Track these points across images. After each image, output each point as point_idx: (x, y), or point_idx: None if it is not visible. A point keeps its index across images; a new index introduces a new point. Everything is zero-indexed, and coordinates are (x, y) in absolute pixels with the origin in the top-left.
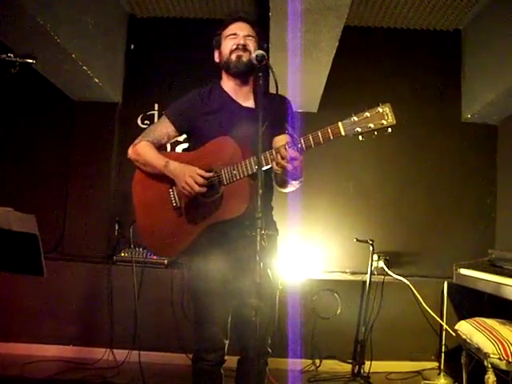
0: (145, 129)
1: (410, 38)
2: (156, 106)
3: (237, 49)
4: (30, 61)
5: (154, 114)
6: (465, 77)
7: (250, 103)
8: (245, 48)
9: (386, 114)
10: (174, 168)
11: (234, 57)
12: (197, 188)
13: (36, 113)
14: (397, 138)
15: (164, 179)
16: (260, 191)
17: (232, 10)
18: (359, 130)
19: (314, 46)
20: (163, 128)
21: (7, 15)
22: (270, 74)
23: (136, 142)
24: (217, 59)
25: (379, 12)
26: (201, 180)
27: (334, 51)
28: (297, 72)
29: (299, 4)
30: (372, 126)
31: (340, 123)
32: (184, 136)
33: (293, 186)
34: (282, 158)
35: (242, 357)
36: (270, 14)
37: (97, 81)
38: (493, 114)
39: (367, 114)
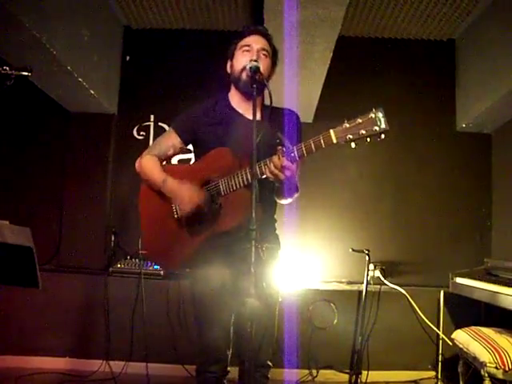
0: (141, 140)
1: (404, 48)
2: (152, 117)
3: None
4: (26, 73)
5: (149, 125)
6: (459, 86)
7: (256, 116)
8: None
9: (379, 119)
10: (171, 186)
11: (244, 76)
12: (188, 208)
13: (32, 125)
14: (392, 148)
15: None
16: (254, 203)
17: (229, 20)
18: (351, 136)
19: (308, 57)
20: (169, 141)
21: (3, 27)
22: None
23: (142, 155)
24: (228, 69)
25: (373, 22)
26: (195, 200)
27: (329, 62)
28: (292, 83)
29: (294, 16)
30: (364, 132)
31: (332, 131)
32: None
33: (290, 198)
34: (275, 167)
35: (241, 369)
36: (265, 25)
37: (92, 92)
38: (487, 123)
39: (359, 120)
